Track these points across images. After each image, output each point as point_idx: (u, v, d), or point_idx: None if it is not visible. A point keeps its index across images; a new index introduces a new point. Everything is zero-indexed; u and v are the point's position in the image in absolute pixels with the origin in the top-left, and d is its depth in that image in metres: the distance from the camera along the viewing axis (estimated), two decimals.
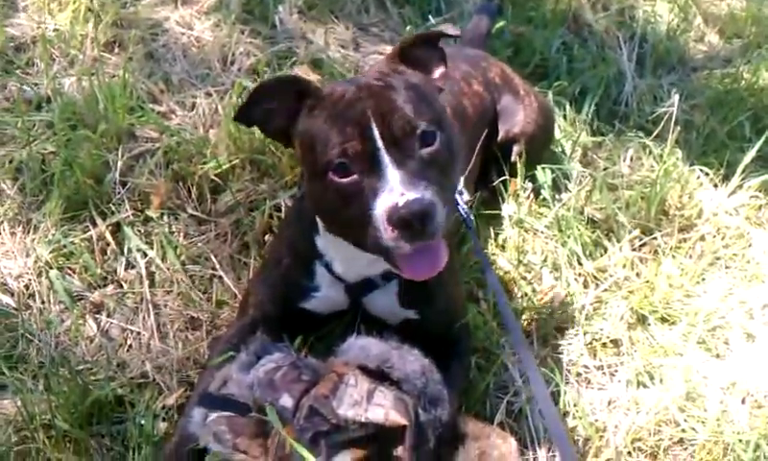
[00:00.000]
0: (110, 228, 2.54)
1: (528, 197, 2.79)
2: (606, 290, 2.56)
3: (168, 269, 2.48)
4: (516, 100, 2.86)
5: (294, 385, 1.80)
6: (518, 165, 2.73)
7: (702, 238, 2.83)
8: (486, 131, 2.68)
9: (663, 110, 3.12)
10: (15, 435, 2.03)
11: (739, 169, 2.96)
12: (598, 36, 3.82)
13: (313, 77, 3.09)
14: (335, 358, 1.91)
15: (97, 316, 2.37)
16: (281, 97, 1.91)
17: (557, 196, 2.88)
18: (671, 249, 2.75)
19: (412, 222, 1.65)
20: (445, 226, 1.73)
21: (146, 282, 2.44)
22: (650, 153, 3.19)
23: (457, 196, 2.12)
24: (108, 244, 2.51)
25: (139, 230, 2.56)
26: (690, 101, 3.56)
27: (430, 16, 3.60)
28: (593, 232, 2.74)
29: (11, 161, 2.66)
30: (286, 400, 1.77)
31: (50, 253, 2.44)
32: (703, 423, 2.22)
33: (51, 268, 2.42)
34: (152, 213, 2.59)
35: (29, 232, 2.51)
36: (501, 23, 3.51)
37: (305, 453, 1.66)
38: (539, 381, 1.90)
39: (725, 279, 2.70)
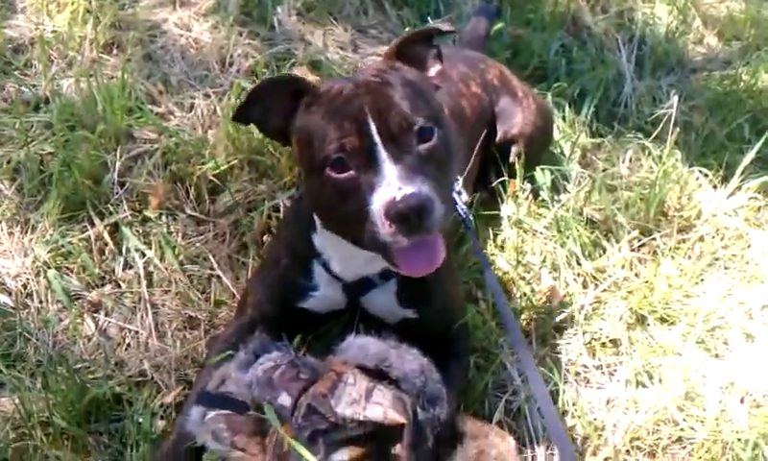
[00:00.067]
0: (108, 228, 2.54)
1: (527, 198, 2.79)
2: (605, 290, 2.56)
3: (166, 269, 2.48)
4: (515, 102, 2.86)
5: (292, 384, 1.79)
6: (517, 166, 2.73)
7: (701, 239, 2.83)
8: (484, 132, 2.69)
9: (662, 112, 3.12)
10: (13, 433, 2.03)
11: (738, 170, 2.96)
12: (597, 37, 3.82)
13: (311, 78, 3.08)
14: (334, 357, 1.91)
15: (95, 315, 2.37)
16: (279, 96, 1.91)
17: (556, 197, 2.88)
18: (670, 249, 2.75)
19: (409, 216, 1.65)
20: (443, 222, 1.73)
21: (144, 282, 2.44)
22: (649, 154, 3.19)
23: (456, 196, 2.12)
24: (107, 244, 2.51)
25: (137, 231, 2.56)
26: (689, 102, 3.56)
27: (429, 18, 3.60)
28: (592, 233, 2.74)
29: (9, 162, 2.66)
30: (284, 399, 1.77)
31: (48, 252, 2.44)
32: (701, 422, 2.21)
33: (49, 268, 2.42)
34: (150, 214, 2.59)
35: (27, 232, 2.51)
36: (500, 25, 3.53)
37: (304, 452, 1.66)
38: (537, 380, 1.89)
39: (724, 279, 2.70)
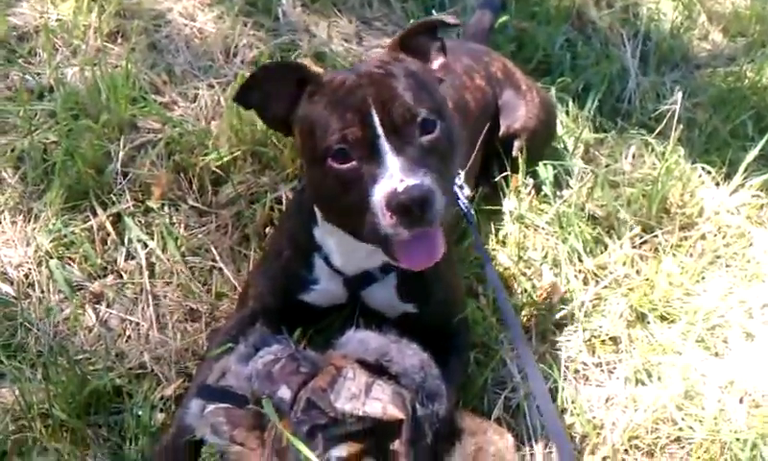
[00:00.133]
0: (111, 218, 2.54)
1: (529, 193, 2.79)
2: (606, 287, 2.56)
3: (168, 260, 2.48)
4: (518, 95, 2.86)
5: (292, 377, 1.79)
6: (520, 160, 2.73)
7: (703, 237, 2.83)
8: (487, 125, 2.68)
9: (666, 108, 3.11)
10: (13, 424, 2.03)
11: (741, 168, 2.96)
12: (602, 32, 3.81)
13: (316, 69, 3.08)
14: (334, 351, 1.90)
15: (96, 306, 2.37)
16: (282, 82, 1.90)
17: (558, 192, 2.88)
18: (672, 247, 2.75)
19: (411, 207, 1.64)
20: (444, 214, 1.72)
21: (146, 273, 2.44)
22: (652, 150, 3.19)
23: (458, 191, 2.12)
24: (109, 234, 2.51)
25: (140, 221, 2.56)
26: (693, 99, 3.55)
27: (433, 10, 3.60)
28: (594, 229, 2.74)
29: (12, 150, 2.65)
30: (284, 393, 1.77)
31: (50, 242, 2.44)
32: (700, 421, 2.22)
33: (51, 257, 2.42)
34: (152, 204, 2.59)
35: (29, 222, 2.51)
36: (504, 18, 3.51)
37: (302, 447, 1.66)
38: (537, 377, 1.89)
39: (725, 277, 2.70)
